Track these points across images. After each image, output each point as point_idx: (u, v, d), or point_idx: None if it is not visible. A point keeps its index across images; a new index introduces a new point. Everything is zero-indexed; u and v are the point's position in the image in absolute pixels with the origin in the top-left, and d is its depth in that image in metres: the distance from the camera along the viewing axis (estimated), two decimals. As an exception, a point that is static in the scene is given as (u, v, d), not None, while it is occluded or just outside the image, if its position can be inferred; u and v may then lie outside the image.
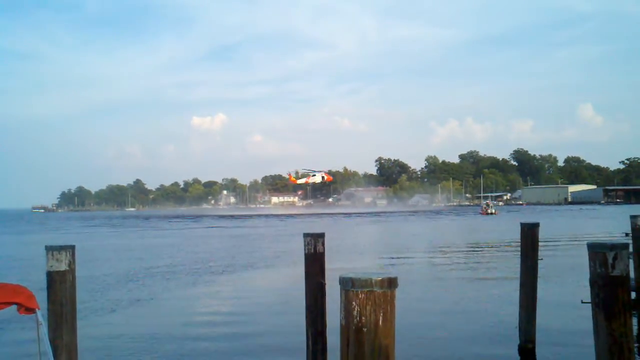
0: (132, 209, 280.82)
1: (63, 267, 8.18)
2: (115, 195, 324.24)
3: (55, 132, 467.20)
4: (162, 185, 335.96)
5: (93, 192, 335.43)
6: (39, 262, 15.02)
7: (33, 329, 6.78)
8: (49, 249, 8.21)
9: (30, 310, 6.60)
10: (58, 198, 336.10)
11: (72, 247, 8.39)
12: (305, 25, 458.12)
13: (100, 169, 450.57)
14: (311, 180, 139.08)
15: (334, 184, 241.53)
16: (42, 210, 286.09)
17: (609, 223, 65.49)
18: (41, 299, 7.94)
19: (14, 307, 6.58)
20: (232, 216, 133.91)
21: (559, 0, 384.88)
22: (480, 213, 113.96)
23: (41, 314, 6.74)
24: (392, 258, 33.51)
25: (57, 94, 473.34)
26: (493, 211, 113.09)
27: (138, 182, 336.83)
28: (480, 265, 30.18)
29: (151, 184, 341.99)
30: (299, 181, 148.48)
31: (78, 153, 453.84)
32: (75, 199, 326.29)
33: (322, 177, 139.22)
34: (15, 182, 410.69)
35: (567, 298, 17.70)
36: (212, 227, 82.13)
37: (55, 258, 8.15)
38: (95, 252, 39.08)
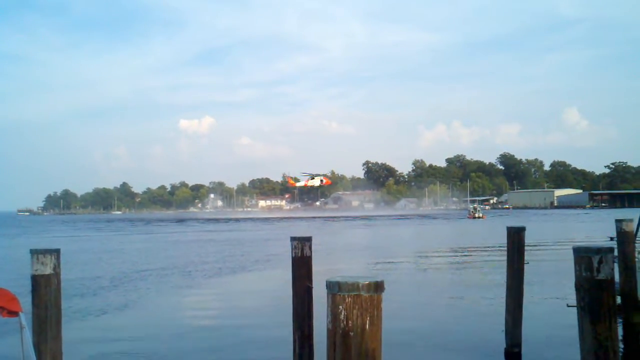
0: (119, 213, 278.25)
1: (48, 270, 8.09)
2: (102, 199, 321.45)
3: (42, 135, 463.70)
4: (148, 189, 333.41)
5: (79, 195, 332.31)
6: (23, 265, 14.85)
7: (16, 333, 6.68)
8: (34, 252, 8.12)
9: (13, 313, 6.51)
10: (44, 201, 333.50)
11: (57, 251, 8.31)
12: (294, 29, 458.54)
13: (87, 171, 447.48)
14: (310, 183, 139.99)
15: (321, 188, 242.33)
16: (28, 213, 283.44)
17: (594, 227, 65.99)
18: (26, 303, 7.86)
19: None
20: (219, 220, 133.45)
21: (547, 6, 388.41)
22: (468, 217, 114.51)
23: (24, 317, 6.65)
24: (379, 262, 33.53)
25: (44, 97, 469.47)
26: (480, 215, 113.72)
27: (125, 185, 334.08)
28: (466, 269, 30.30)
29: (138, 187, 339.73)
30: (298, 184, 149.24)
31: (64, 156, 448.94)
32: (61, 202, 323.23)
33: (321, 181, 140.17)
34: (0, 185, 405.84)
35: (553, 302, 17.85)
36: (200, 230, 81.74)
37: (40, 261, 8.06)
38: (81, 255, 38.71)
